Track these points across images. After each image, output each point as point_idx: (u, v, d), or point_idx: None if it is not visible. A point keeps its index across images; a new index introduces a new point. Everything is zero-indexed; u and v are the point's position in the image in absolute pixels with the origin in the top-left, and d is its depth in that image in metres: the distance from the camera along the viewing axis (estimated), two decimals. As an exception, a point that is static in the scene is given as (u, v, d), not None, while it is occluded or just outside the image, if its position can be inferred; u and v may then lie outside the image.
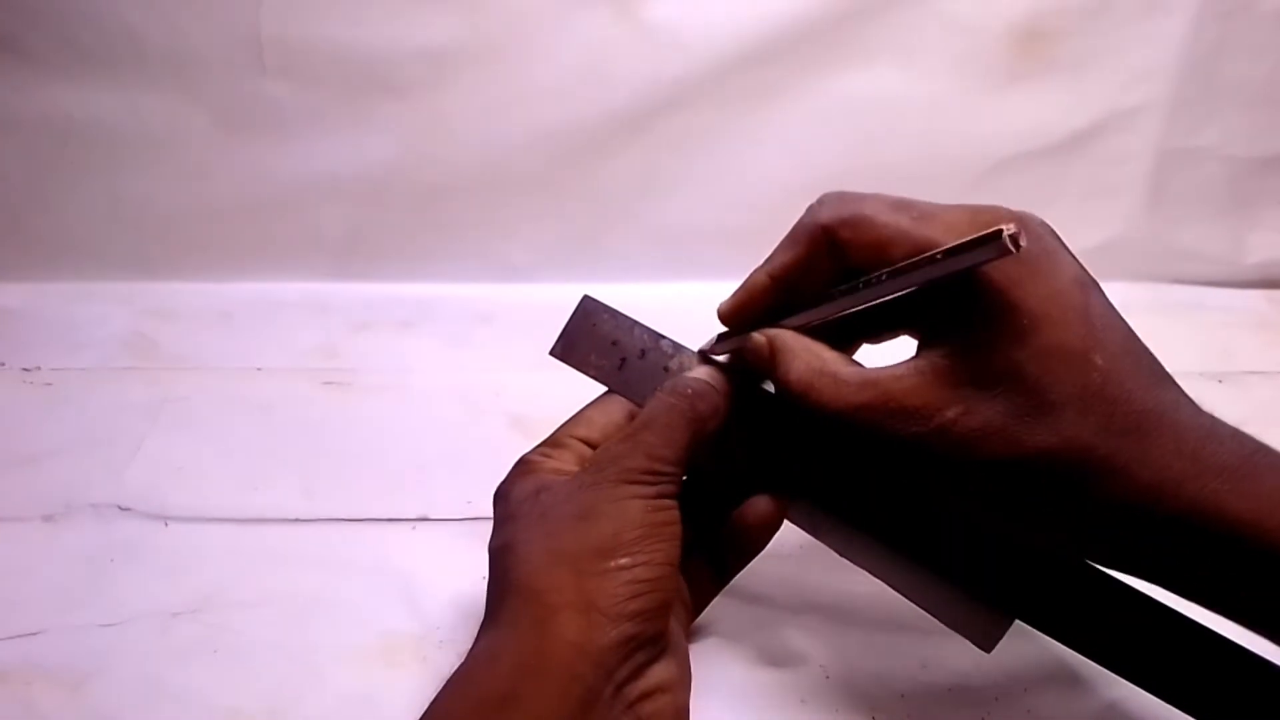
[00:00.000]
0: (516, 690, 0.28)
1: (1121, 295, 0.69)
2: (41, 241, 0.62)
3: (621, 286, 0.61)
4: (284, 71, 0.58)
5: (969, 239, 0.26)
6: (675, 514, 0.32)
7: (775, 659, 0.39)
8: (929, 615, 0.35)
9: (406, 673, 0.38)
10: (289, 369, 0.56)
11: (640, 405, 0.36)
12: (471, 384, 0.55)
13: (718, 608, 0.38)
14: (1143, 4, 0.57)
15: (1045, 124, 0.60)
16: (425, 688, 0.37)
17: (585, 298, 0.38)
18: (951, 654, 0.38)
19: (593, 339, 0.38)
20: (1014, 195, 0.60)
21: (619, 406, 0.37)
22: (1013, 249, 0.25)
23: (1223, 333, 0.60)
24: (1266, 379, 0.56)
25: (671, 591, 0.32)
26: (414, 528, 0.45)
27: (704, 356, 0.37)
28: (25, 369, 0.56)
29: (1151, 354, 0.30)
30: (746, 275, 0.35)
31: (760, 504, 0.36)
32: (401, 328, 0.60)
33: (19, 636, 0.39)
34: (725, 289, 0.61)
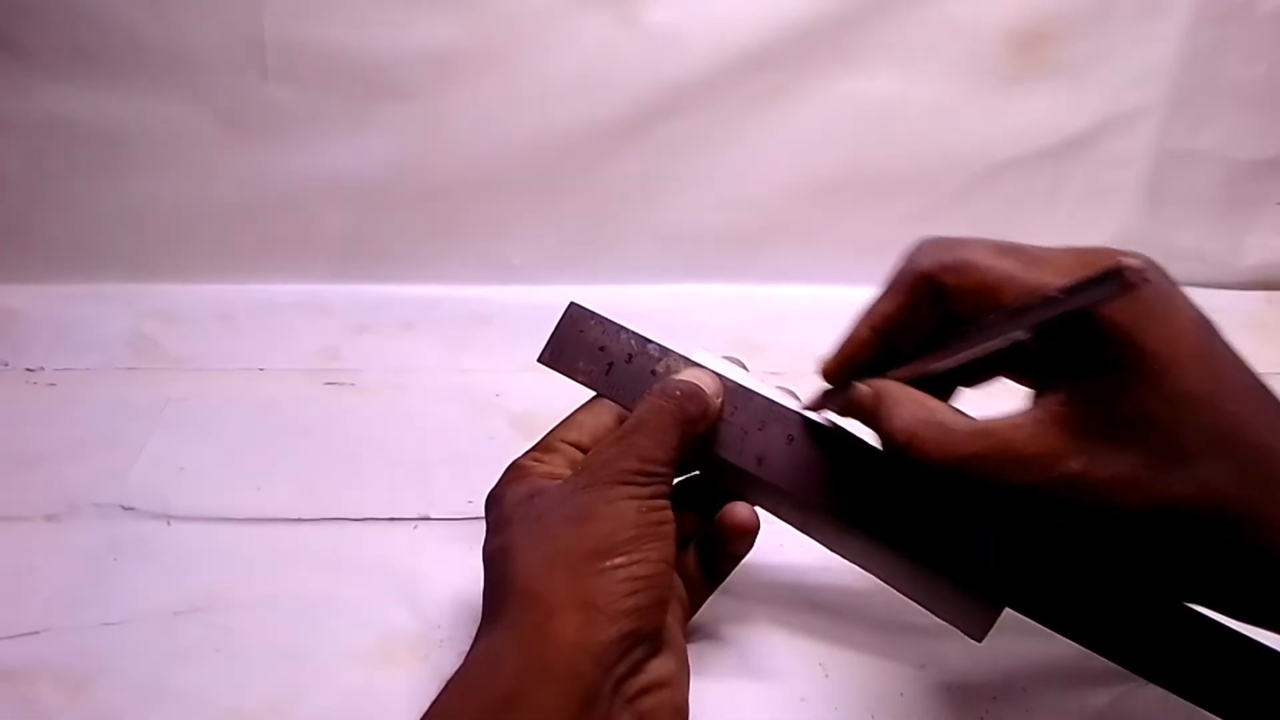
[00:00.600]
0: (518, 691, 0.29)
1: (1120, 296, 0.68)
2: (44, 243, 0.62)
3: (621, 287, 0.61)
4: (286, 73, 0.58)
5: (1089, 276, 0.25)
6: (669, 514, 0.32)
7: (774, 657, 0.39)
8: (922, 609, 0.35)
9: (407, 672, 0.38)
10: (291, 369, 0.56)
11: (629, 409, 0.36)
12: (472, 384, 0.55)
13: (717, 606, 0.38)
14: (1141, 6, 0.57)
15: (1044, 126, 0.60)
16: (426, 687, 0.37)
17: (572, 304, 0.39)
18: (950, 653, 0.38)
19: (580, 345, 0.38)
20: (1013, 197, 0.62)
21: (608, 410, 0.37)
22: (1135, 284, 0.24)
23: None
24: (1266, 380, 0.56)
25: (668, 588, 0.32)
26: (415, 527, 0.46)
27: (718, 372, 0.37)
28: (29, 369, 0.56)
29: (1274, 394, 0.28)
30: (846, 330, 0.34)
31: (739, 510, 0.36)
32: (402, 328, 0.61)
33: (22, 635, 0.40)
34: (725, 290, 0.63)
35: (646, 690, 0.31)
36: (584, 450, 0.36)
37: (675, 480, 0.34)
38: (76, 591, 0.42)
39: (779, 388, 0.38)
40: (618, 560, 0.30)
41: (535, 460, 0.35)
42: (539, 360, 0.38)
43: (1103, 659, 0.33)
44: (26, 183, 0.60)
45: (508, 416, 0.53)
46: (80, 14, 0.56)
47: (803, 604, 0.41)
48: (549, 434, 0.36)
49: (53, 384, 0.55)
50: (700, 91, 0.59)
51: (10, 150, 0.59)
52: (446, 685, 0.30)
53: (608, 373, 0.37)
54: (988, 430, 0.29)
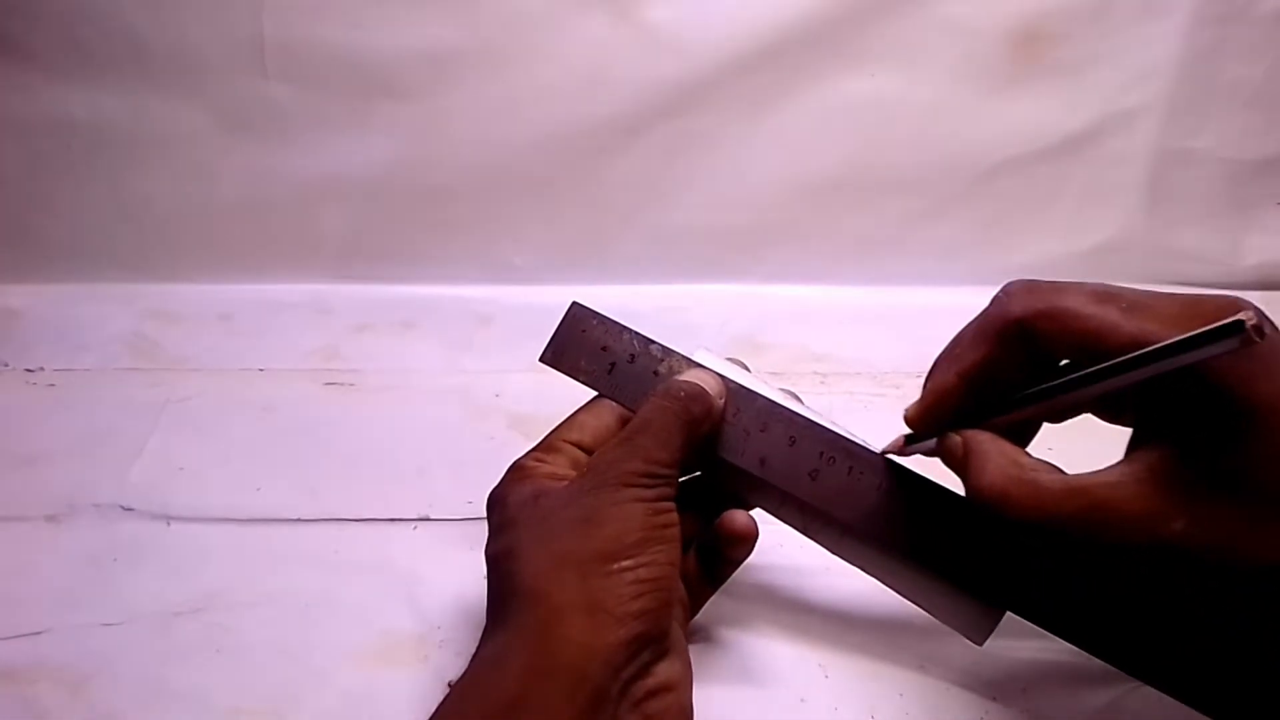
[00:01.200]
0: (526, 693, 0.29)
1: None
2: (44, 243, 0.62)
3: (621, 288, 0.61)
4: (286, 73, 0.58)
5: (1205, 330, 0.24)
6: (674, 516, 0.33)
7: (774, 658, 0.39)
8: (922, 610, 0.35)
9: (407, 672, 0.38)
10: (291, 370, 0.56)
11: (631, 409, 0.36)
12: (472, 385, 0.55)
13: (717, 607, 0.38)
14: (1140, 6, 0.57)
15: (1043, 126, 0.60)
16: (426, 687, 0.37)
17: (574, 304, 0.39)
18: (950, 653, 0.38)
19: (582, 345, 0.38)
20: (1013, 197, 0.62)
21: (610, 410, 0.37)
22: (1257, 339, 0.23)
23: (1221, 334, 0.60)
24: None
25: (674, 591, 0.32)
26: (415, 528, 0.46)
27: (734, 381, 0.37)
28: (29, 370, 0.56)
29: None
30: (931, 377, 0.33)
31: (737, 518, 0.36)
32: (402, 329, 0.61)
33: (22, 636, 0.40)
34: (725, 290, 0.63)
35: (653, 693, 0.31)
36: (587, 451, 0.36)
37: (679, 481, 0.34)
38: (76, 592, 0.42)
39: (781, 389, 0.38)
40: (625, 563, 0.30)
41: (538, 461, 0.35)
42: (540, 360, 0.38)
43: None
44: (26, 183, 0.60)
45: (508, 417, 0.53)
46: (80, 14, 0.56)
47: (802, 605, 0.41)
48: (551, 434, 0.36)
49: (52, 384, 0.55)
50: (700, 91, 0.59)
51: (10, 150, 0.59)
52: (453, 689, 0.30)
53: (610, 372, 0.37)
54: (1083, 489, 0.28)
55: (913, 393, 0.54)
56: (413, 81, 0.58)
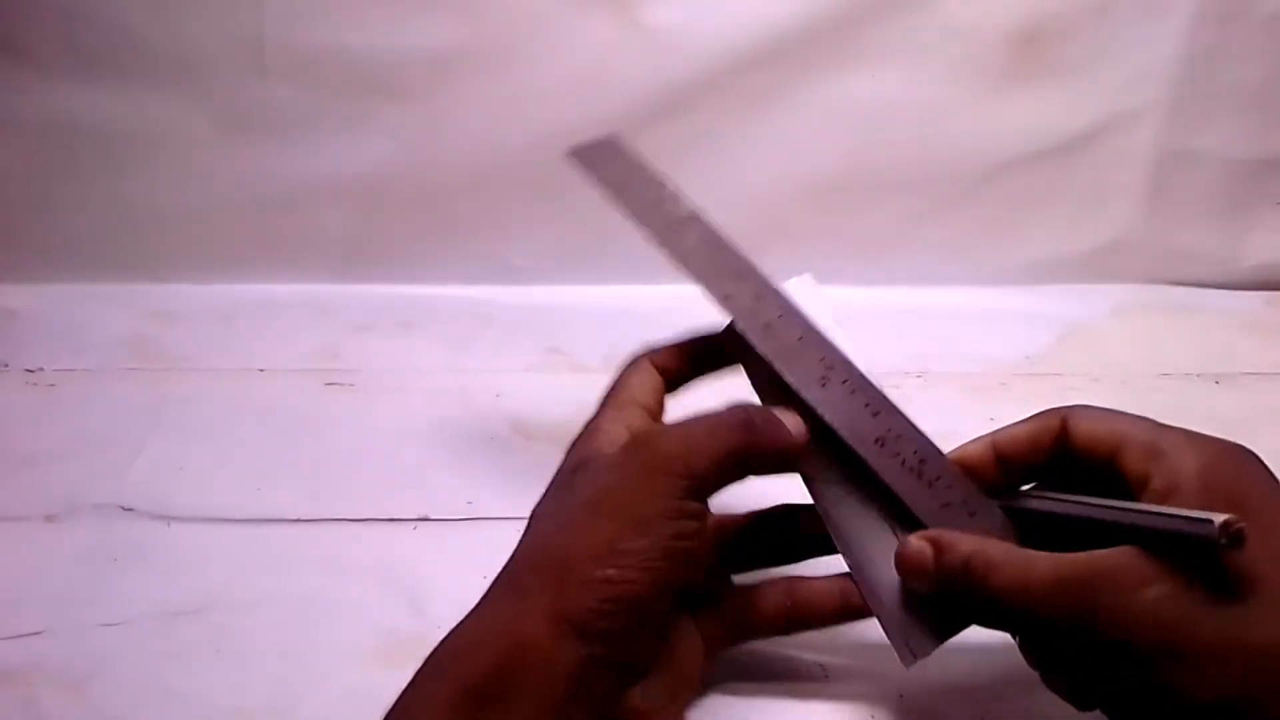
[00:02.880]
0: (495, 690, 0.28)
1: (1120, 297, 0.69)
2: (44, 243, 0.62)
3: (621, 288, 0.61)
4: (285, 73, 0.58)
5: (1184, 518, 0.26)
6: (686, 530, 0.30)
7: (774, 659, 0.39)
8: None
9: (408, 673, 0.38)
10: (290, 370, 0.56)
11: (639, 219, 0.38)
12: (472, 385, 0.55)
13: (718, 608, 0.38)
14: (1142, 7, 0.57)
15: (1044, 127, 0.60)
16: (426, 687, 0.37)
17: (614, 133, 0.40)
18: (951, 654, 0.38)
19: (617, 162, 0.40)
20: (1014, 197, 0.62)
21: (649, 374, 0.36)
22: (1225, 545, 0.25)
23: (1221, 334, 0.60)
24: (1264, 380, 0.56)
25: (655, 615, 0.30)
26: (415, 528, 0.46)
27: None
28: (28, 370, 0.56)
29: None
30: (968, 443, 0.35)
31: (827, 594, 0.35)
32: (402, 329, 0.61)
33: (21, 636, 0.40)
34: (725, 290, 0.62)
35: (626, 718, 0.30)
36: (650, 411, 0.35)
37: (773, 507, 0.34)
38: (76, 592, 0.42)
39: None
40: (609, 573, 0.29)
41: (612, 422, 0.34)
42: (567, 153, 0.39)
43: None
44: (26, 183, 0.60)
45: (508, 417, 0.53)
46: (79, 14, 0.56)
47: (803, 605, 0.41)
48: (618, 391, 0.36)
49: (52, 384, 0.55)
50: (700, 92, 0.59)
51: (9, 150, 0.59)
52: (438, 647, 0.30)
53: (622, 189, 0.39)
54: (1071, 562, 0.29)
55: (912, 393, 0.55)
56: (413, 81, 0.58)
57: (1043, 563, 0.29)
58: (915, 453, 0.35)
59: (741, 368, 0.38)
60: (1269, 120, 0.60)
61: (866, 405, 0.35)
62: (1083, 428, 0.32)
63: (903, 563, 0.33)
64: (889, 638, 0.34)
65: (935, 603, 0.33)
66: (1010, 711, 0.37)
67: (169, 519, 0.45)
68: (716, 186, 0.62)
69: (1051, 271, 0.63)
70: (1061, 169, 0.61)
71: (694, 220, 0.37)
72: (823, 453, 0.35)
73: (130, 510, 0.46)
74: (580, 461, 0.33)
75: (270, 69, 0.58)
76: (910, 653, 0.33)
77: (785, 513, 0.37)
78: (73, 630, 0.40)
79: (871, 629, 0.36)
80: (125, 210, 0.61)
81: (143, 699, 0.37)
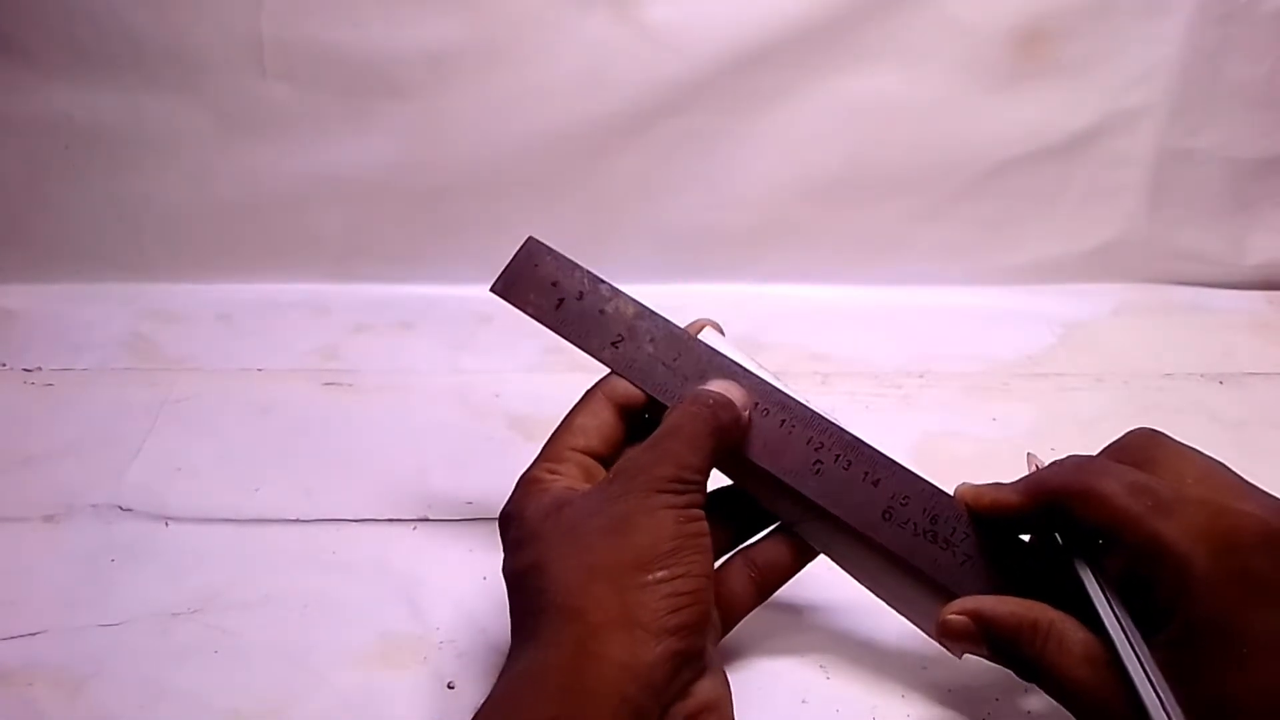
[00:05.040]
0: (564, 715, 0.28)
1: (1122, 297, 0.69)
2: (42, 243, 0.62)
3: (622, 288, 0.61)
4: (284, 73, 0.58)
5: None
6: (704, 525, 0.32)
7: (775, 658, 0.39)
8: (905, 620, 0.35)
9: (407, 673, 0.38)
10: (289, 370, 0.56)
11: (576, 345, 0.36)
12: (471, 385, 0.55)
13: (718, 608, 0.38)
14: (1142, 6, 0.57)
15: (1046, 126, 0.60)
16: (425, 688, 0.37)
17: (530, 239, 0.38)
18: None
19: (533, 279, 0.38)
20: (1014, 197, 0.61)
21: (604, 406, 0.36)
22: None
23: (1223, 334, 0.60)
24: (1266, 380, 0.56)
25: (709, 604, 0.31)
26: (414, 528, 0.45)
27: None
28: (26, 370, 0.56)
29: None
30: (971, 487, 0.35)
31: (780, 549, 0.36)
32: (401, 329, 0.60)
33: (19, 637, 0.39)
34: (725, 290, 0.62)
35: (694, 715, 0.30)
36: (594, 455, 0.35)
37: (711, 492, 0.34)
38: (74, 592, 0.42)
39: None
40: (660, 574, 0.29)
41: (550, 473, 0.34)
42: (491, 290, 0.38)
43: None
44: (24, 182, 0.60)
45: (507, 417, 0.53)
46: (79, 13, 0.56)
47: (804, 605, 0.41)
48: (553, 443, 0.35)
49: (50, 384, 0.55)
50: (700, 91, 0.58)
51: (8, 149, 0.59)
52: (482, 708, 0.29)
53: (557, 308, 0.37)
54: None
55: (914, 392, 0.55)
56: (412, 81, 0.58)
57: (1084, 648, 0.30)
58: (925, 511, 0.34)
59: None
60: (1270, 119, 0.60)
61: (865, 476, 0.35)
62: (1079, 510, 0.31)
63: (946, 637, 0.33)
64: (924, 631, 0.35)
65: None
66: (1011, 712, 0.37)
67: (167, 519, 0.45)
68: (717, 186, 0.62)
69: (1052, 271, 0.63)
70: (1062, 168, 0.61)
71: (641, 319, 0.37)
72: (824, 525, 0.36)
73: (129, 511, 0.46)
74: (559, 501, 0.32)
75: (270, 69, 0.58)
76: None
77: (724, 497, 0.38)
78: (71, 631, 0.40)
79: (872, 629, 0.36)
80: (123, 210, 0.61)
81: (141, 699, 0.37)
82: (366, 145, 0.60)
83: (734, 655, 0.39)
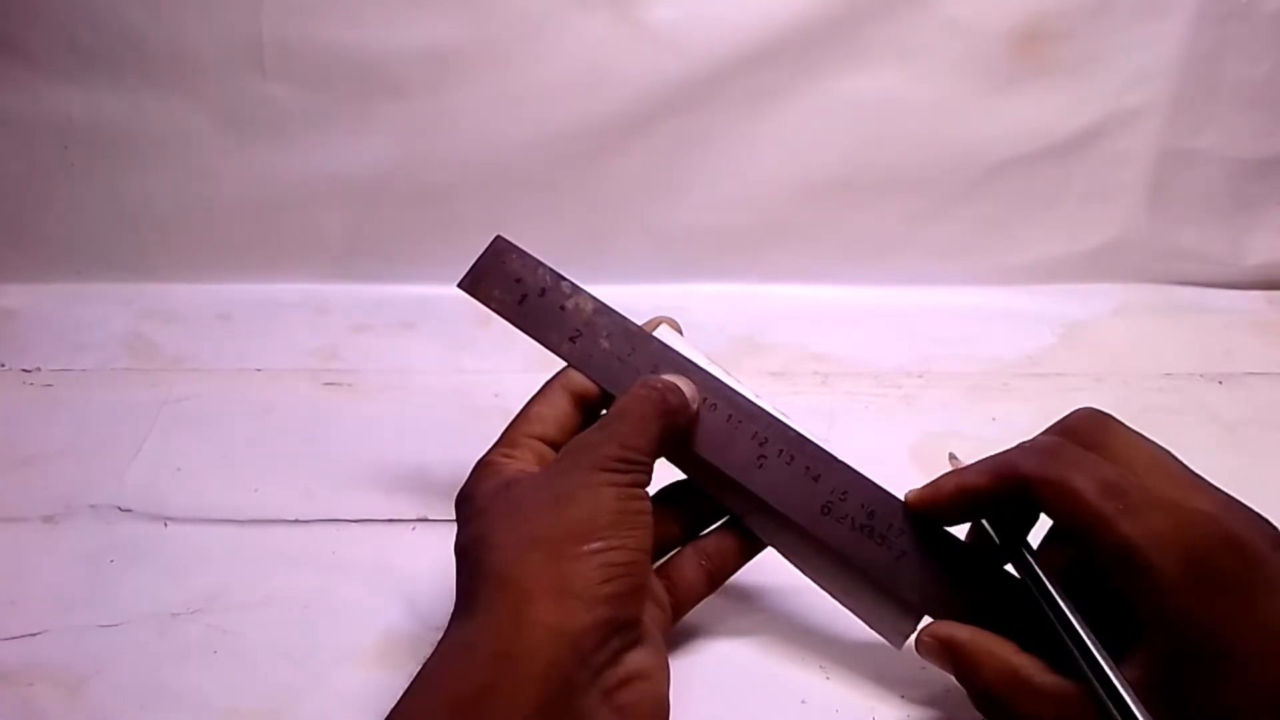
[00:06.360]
0: (493, 681, 0.28)
1: (1122, 296, 0.69)
2: (42, 243, 0.62)
3: (622, 288, 0.60)
4: (284, 72, 0.58)
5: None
6: (647, 504, 0.32)
7: (775, 659, 0.39)
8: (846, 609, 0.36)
9: (406, 673, 0.37)
10: (289, 370, 0.56)
11: (536, 339, 0.37)
12: (471, 385, 0.55)
13: (715, 607, 0.38)
14: (1142, 6, 0.57)
15: (1045, 125, 0.60)
16: (425, 688, 0.37)
17: (498, 237, 0.39)
18: (952, 655, 0.38)
19: (499, 275, 0.39)
20: (1014, 197, 0.61)
21: (561, 394, 0.37)
22: None
23: (1223, 334, 0.60)
24: (1267, 380, 0.56)
25: (644, 577, 0.32)
26: (414, 528, 0.45)
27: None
28: (25, 370, 0.56)
29: None
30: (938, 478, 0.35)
31: (729, 541, 0.37)
32: (402, 329, 0.60)
33: (19, 637, 0.40)
34: (725, 290, 0.62)
35: (625, 682, 0.31)
36: (550, 443, 0.36)
37: (667, 485, 0.34)
38: (74, 593, 0.42)
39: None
40: (595, 545, 0.30)
41: (505, 456, 0.35)
42: (458, 285, 0.39)
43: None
44: (24, 182, 0.60)
45: (507, 417, 0.52)
46: (79, 13, 0.56)
47: (802, 605, 0.41)
48: (511, 430, 0.36)
49: (49, 384, 0.55)
50: (700, 91, 0.58)
51: (8, 150, 0.59)
52: (417, 677, 0.30)
53: (520, 303, 0.38)
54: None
55: (914, 392, 0.55)
56: (413, 81, 0.58)
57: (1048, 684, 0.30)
58: (863, 506, 0.35)
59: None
60: (1270, 119, 0.60)
61: (806, 470, 0.36)
62: (1049, 500, 0.31)
63: (918, 651, 0.35)
64: (876, 630, 0.36)
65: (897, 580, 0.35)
66: (1011, 712, 0.37)
67: (166, 519, 0.45)
68: (717, 186, 0.62)
69: (1052, 271, 0.63)
70: (1062, 168, 0.61)
71: (599, 315, 0.38)
72: (770, 519, 0.36)
73: (128, 511, 0.46)
74: (508, 480, 0.33)
75: (270, 69, 0.58)
76: (898, 635, 0.35)
77: (680, 489, 0.38)
78: (71, 631, 0.40)
79: (871, 630, 0.36)
80: (123, 210, 0.61)
81: (140, 700, 0.37)
82: (366, 145, 0.60)
83: (733, 657, 0.39)
